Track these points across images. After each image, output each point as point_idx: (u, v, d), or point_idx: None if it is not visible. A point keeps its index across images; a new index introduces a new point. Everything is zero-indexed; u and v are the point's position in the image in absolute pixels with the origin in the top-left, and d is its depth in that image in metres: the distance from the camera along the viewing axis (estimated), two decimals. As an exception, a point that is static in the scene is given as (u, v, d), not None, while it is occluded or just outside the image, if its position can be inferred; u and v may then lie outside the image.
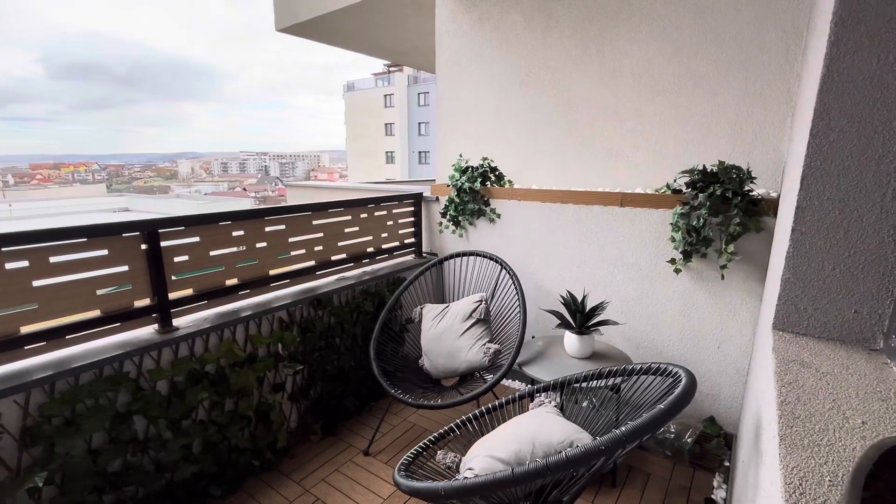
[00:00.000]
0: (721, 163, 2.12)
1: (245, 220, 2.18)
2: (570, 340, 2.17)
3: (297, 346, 2.36)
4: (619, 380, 1.61)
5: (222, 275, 2.13)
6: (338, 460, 2.30)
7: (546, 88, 3.12)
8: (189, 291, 2.02)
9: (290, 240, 2.41)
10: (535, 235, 2.76)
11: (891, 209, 1.01)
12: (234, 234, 2.16)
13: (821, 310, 1.12)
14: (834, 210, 1.06)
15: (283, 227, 2.36)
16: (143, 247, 1.84)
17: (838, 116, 1.02)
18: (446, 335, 2.38)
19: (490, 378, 2.17)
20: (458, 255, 2.84)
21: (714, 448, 2.25)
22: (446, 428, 1.73)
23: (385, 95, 40.26)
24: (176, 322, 1.96)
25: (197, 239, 2.01)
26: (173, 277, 1.94)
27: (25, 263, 1.53)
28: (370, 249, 2.92)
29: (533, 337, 2.51)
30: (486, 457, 1.36)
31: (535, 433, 1.40)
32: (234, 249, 2.17)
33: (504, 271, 2.59)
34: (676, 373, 1.24)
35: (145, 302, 1.88)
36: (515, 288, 2.43)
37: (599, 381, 1.66)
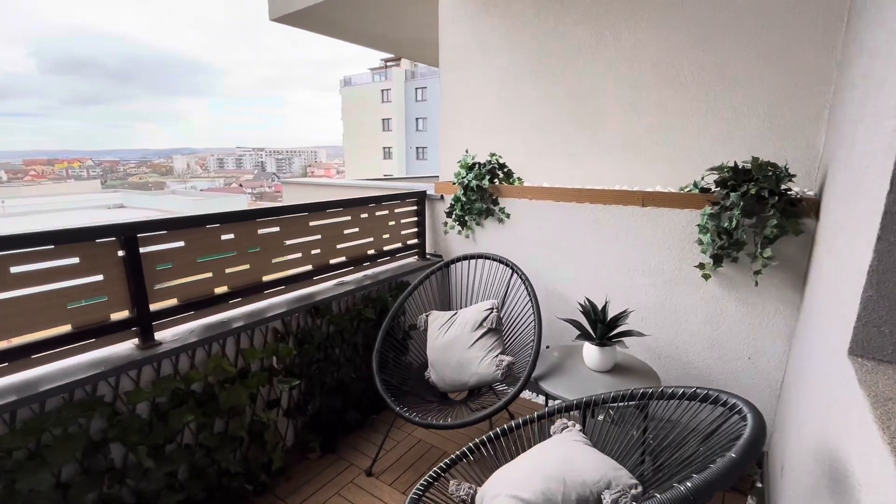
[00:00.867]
0: (755, 159, 1.94)
1: (235, 221, 1.99)
2: (591, 353, 2.00)
3: (294, 359, 2.18)
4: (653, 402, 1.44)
5: (210, 282, 1.94)
6: (339, 481, 2.12)
7: (558, 79, 2.93)
8: (173, 302, 1.83)
9: (286, 243, 2.23)
10: (547, 237, 2.58)
11: None
12: (224, 237, 1.97)
13: (914, 334, 0.94)
14: (936, 216, 0.88)
15: (277, 229, 2.18)
16: (120, 253, 1.65)
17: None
18: (455, 346, 2.20)
19: (503, 393, 2.00)
20: (465, 257, 2.66)
21: (744, 467, 2.08)
22: (458, 453, 1.56)
23: (382, 91, 39.87)
24: (158, 335, 1.77)
25: (181, 244, 1.82)
26: (155, 286, 1.76)
27: (-20, 275, 1.34)
28: (371, 252, 2.73)
29: (548, 347, 2.33)
30: (509, 497, 1.19)
31: (563, 468, 1.23)
32: (224, 255, 1.98)
33: (515, 276, 2.41)
34: (736, 406, 1.06)
35: (123, 314, 1.69)
36: (529, 294, 2.26)
37: (631, 402, 1.49)
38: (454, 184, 2.88)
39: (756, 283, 2.01)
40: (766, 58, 2.26)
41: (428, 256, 3.13)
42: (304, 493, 2.05)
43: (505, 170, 2.86)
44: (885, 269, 0.95)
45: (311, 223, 2.34)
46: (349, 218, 2.55)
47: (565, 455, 1.30)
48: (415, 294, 2.58)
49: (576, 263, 2.51)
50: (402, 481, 2.13)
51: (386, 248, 2.84)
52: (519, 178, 2.90)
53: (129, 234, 1.64)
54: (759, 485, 1.99)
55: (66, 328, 1.56)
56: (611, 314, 2.04)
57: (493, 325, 2.19)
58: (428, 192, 3.07)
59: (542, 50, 2.95)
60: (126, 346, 1.70)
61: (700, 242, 2.08)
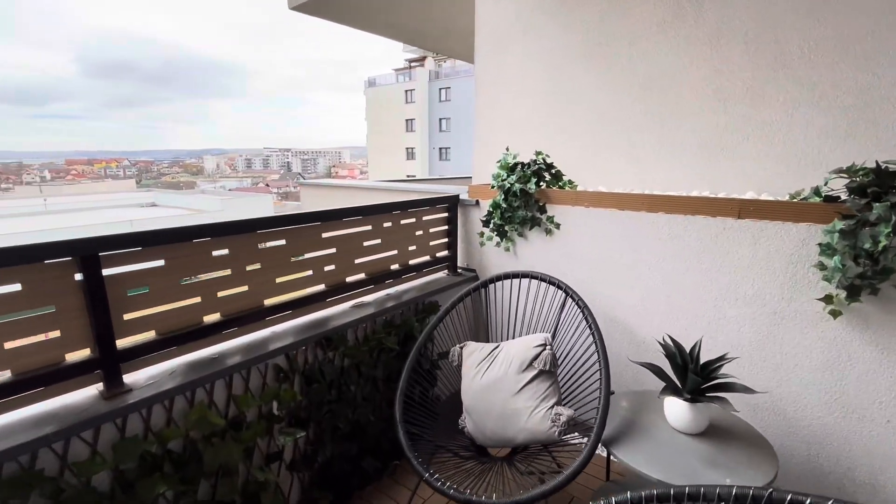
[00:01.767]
0: (909, 158, 1.44)
1: (230, 234, 1.62)
2: (677, 410, 1.54)
3: (300, 403, 1.79)
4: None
5: (198, 309, 1.57)
6: (351, 554, 1.73)
7: (621, 63, 2.46)
8: (150, 335, 1.47)
9: (293, 259, 1.84)
10: (608, 254, 2.12)
11: None
12: (216, 253, 1.59)
13: None
14: None
15: (282, 242, 1.80)
16: (78, 277, 1.29)
17: None
18: (497, 390, 1.77)
19: (563, 460, 1.56)
20: (506, 276, 2.22)
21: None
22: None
23: (406, 91, 39.80)
24: (129, 378, 1.41)
25: (161, 263, 1.46)
26: (125, 317, 1.39)
27: None
28: (395, 266, 2.33)
29: (613, 393, 1.87)
30: None
31: None
32: (217, 274, 1.61)
33: (571, 302, 1.97)
34: None
35: (83, 354, 1.33)
36: (590, 327, 1.81)
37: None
38: (492, 187, 2.45)
39: (906, 325, 1.51)
40: (907, 27, 1.75)
41: (459, 271, 2.71)
42: (309, 570, 1.66)
43: (553, 171, 2.41)
44: None
45: (325, 234, 1.96)
46: (370, 228, 2.15)
47: None
48: (445, 318, 2.17)
49: (644, 288, 2.04)
50: (429, 558, 1.72)
51: (412, 263, 2.43)
52: (570, 182, 2.45)
53: (88, 251, 1.28)
54: None
55: (3, 375, 1.20)
56: (704, 357, 1.57)
57: (547, 366, 1.75)
58: (461, 197, 2.64)
59: (602, 28, 2.49)
60: (86, 394, 1.34)
61: (822, 267, 1.59)
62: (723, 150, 2.22)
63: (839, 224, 1.53)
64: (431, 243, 2.54)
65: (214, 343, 1.63)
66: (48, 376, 1.26)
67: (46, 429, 1.17)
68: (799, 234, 1.66)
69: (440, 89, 38.53)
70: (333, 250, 2.00)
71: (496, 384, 1.78)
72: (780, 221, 1.69)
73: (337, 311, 2.04)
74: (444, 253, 2.64)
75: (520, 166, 2.40)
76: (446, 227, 2.63)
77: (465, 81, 35.15)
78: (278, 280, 1.80)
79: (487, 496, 1.47)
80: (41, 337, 1.25)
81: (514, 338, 2.09)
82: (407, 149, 40.16)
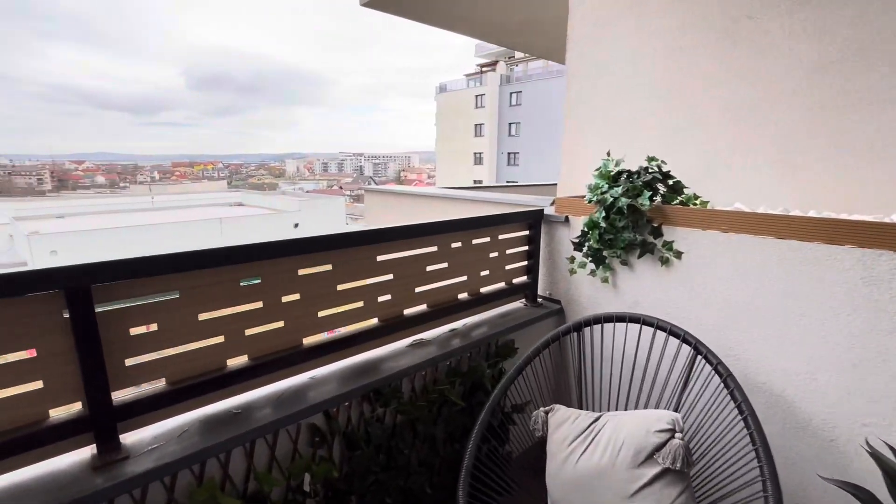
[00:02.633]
0: None
1: (265, 258, 1.29)
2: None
3: (341, 472, 1.43)
4: None
5: (221, 350, 1.26)
6: None
7: (775, 41, 1.85)
8: (158, 384, 1.17)
9: (340, 287, 1.49)
10: (756, 297, 1.54)
11: None
12: (245, 283, 1.28)
13: None
14: None
15: (328, 267, 1.45)
16: (66, 314, 1.01)
17: None
18: (601, 488, 1.28)
19: None
20: (606, 319, 1.71)
21: None
22: None
23: (476, 96, 39.71)
24: (130, 438, 1.12)
25: (176, 295, 1.16)
26: (128, 362, 1.10)
27: None
28: (463, 296, 1.91)
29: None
30: None
31: None
32: (246, 307, 1.29)
33: (704, 363, 1.42)
34: None
35: (70, 409, 1.06)
36: (739, 410, 1.26)
37: None
38: (588, 201, 1.95)
39: None
40: None
41: (540, 301, 2.23)
42: None
43: (671, 182, 1.86)
44: None
45: (381, 258, 1.58)
46: (435, 249, 1.75)
47: None
48: (516, 360, 1.70)
49: (815, 352, 1.43)
50: None
51: (483, 291, 2.00)
52: (695, 196, 1.89)
53: (77, 283, 0.99)
54: None
55: (-32, 437, 0.94)
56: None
57: (676, 465, 1.22)
58: (546, 212, 2.17)
59: (745, -3, 1.89)
60: (73, 461, 1.06)
61: None
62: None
63: None
64: (508, 267, 2.10)
65: (239, 392, 1.31)
66: (26, 439, 0.99)
67: (11, 513, 0.89)
68: None
69: (511, 93, 38.07)
70: (390, 276, 1.62)
71: (600, 478, 1.28)
72: None
73: (391, 350, 1.66)
74: (523, 279, 2.18)
75: (625, 175, 1.89)
76: (527, 248, 2.17)
77: (537, 85, 34.36)
78: (321, 314, 1.45)
79: None
80: (19, 388, 0.98)
81: (617, 406, 1.58)
82: (475, 153, 40.07)
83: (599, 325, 1.73)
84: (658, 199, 1.81)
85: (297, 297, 1.39)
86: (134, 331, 1.11)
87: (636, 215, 1.80)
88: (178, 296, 1.16)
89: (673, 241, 1.73)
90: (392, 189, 4.03)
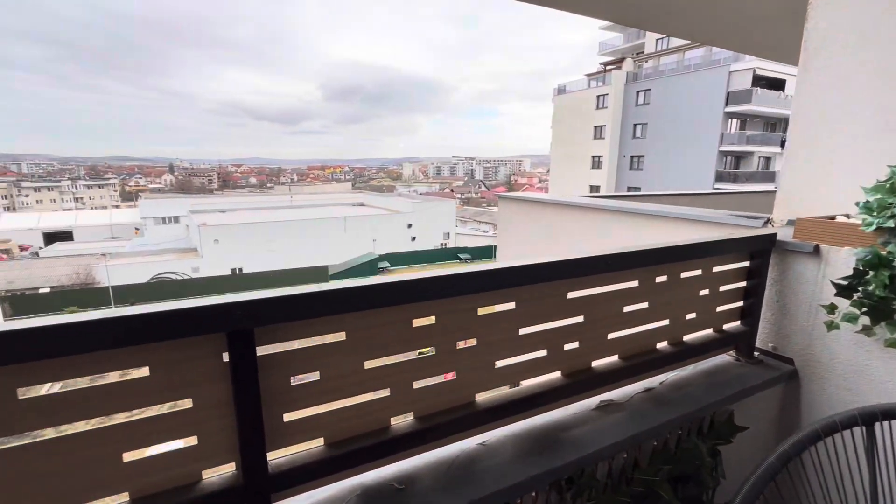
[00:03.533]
0: None
1: (445, 296, 1.00)
2: None
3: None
4: None
5: (384, 407, 1.00)
6: None
7: None
8: (316, 446, 0.95)
9: (522, 331, 1.15)
10: None
11: None
12: (418, 322, 1.00)
13: None
14: None
15: (511, 305, 1.12)
16: (225, 358, 0.82)
17: None
18: None
19: None
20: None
21: None
22: None
23: (598, 96, 37.48)
24: (282, 512, 0.90)
25: (342, 337, 0.92)
26: (286, 417, 0.89)
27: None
28: (661, 345, 1.45)
29: None
30: None
31: None
32: (418, 353, 1.02)
33: None
34: None
35: (225, 470, 0.87)
36: None
37: None
38: (868, 226, 1.34)
39: None
40: None
41: (757, 355, 1.65)
42: None
43: None
44: None
45: (572, 294, 1.21)
46: (636, 284, 1.32)
47: None
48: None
49: None
50: None
51: (686, 339, 1.51)
52: None
53: (240, 324, 0.79)
54: None
55: (120, 498, 0.79)
56: None
57: None
58: (779, 237, 1.59)
59: None
60: (223, 533, 0.87)
61: None
62: None
63: None
64: (718, 309, 1.57)
65: (399, 460, 1.04)
66: None
67: None
68: None
69: (638, 92, 35.27)
70: (580, 319, 1.24)
71: None
72: None
73: (575, 413, 1.28)
74: (736, 325, 1.63)
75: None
76: (745, 285, 1.61)
77: (669, 82, 31.17)
78: (499, 363, 1.13)
79: None
80: (173, 443, 0.81)
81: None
82: (593, 157, 37.92)
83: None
84: None
85: (473, 342, 1.08)
86: (295, 379, 0.89)
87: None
88: (343, 338, 0.92)
89: None
90: (533, 197, 3.59)
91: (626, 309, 1.33)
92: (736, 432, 1.40)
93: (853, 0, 1.72)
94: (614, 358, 1.35)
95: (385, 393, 1.00)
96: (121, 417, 0.75)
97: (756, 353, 1.66)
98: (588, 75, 39.78)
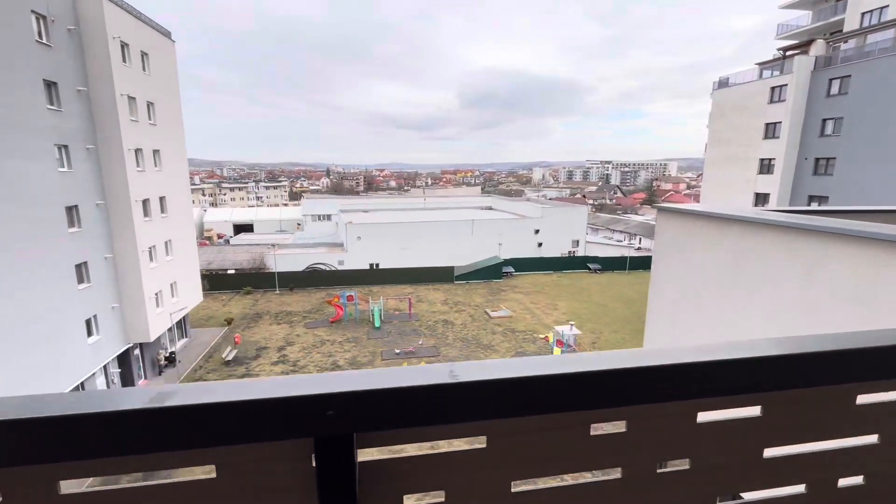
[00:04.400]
0: None
1: (639, 401, 0.61)
2: None
3: None
4: None
5: (536, 548, 0.64)
6: None
7: None
8: None
9: (769, 453, 0.69)
10: None
11: None
12: (598, 430, 0.63)
13: None
14: None
15: (755, 412, 0.67)
16: (312, 462, 0.55)
17: None
18: None
19: None
20: None
21: None
22: None
23: (772, 88, 31.65)
24: None
25: (482, 444, 0.59)
26: (394, 549, 0.60)
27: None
28: None
29: None
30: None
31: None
32: (583, 477, 0.65)
33: None
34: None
35: None
36: None
37: None
38: None
39: None
40: None
41: None
42: None
43: None
44: None
45: (863, 399, 0.70)
46: None
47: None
48: None
49: None
50: None
51: None
52: None
53: (334, 429, 0.52)
54: None
55: None
56: None
57: None
58: None
59: None
60: None
61: None
62: None
63: None
64: None
65: None
66: None
67: None
68: None
69: (831, 80, 28.93)
70: (874, 439, 0.72)
71: None
72: None
73: None
74: None
75: None
76: None
77: (878, 65, 24.82)
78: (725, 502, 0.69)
79: None
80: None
81: None
82: (761, 160, 32.20)
83: None
84: None
85: (684, 464, 0.66)
86: (410, 499, 0.60)
87: None
88: (484, 445, 0.60)
89: None
90: (712, 212, 2.64)
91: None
92: None
93: None
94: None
95: (541, 528, 0.64)
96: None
97: None
98: (759, 64, 33.80)
